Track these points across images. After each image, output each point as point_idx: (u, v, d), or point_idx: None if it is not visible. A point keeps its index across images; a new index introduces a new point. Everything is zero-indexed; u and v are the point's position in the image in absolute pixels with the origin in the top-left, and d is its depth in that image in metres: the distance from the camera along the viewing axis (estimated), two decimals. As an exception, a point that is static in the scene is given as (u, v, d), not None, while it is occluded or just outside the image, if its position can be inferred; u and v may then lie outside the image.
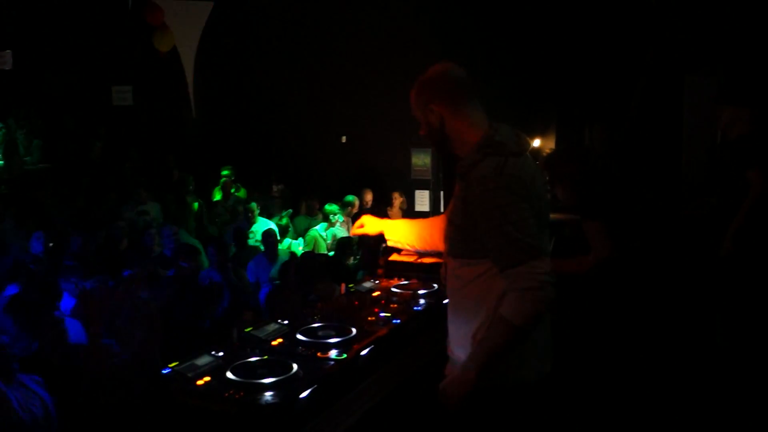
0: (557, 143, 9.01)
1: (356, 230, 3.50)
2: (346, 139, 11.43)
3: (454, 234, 2.57)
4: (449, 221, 2.61)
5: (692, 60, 6.99)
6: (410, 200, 10.51)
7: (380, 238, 3.45)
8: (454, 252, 2.58)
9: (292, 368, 2.45)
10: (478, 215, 2.39)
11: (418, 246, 3.32)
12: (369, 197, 9.97)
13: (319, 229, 8.59)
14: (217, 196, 10.61)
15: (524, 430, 2.56)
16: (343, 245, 7.21)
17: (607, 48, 8.06)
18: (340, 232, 8.71)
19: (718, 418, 4.18)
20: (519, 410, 2.52)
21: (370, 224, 3.40)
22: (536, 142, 9.11)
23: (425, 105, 2.58)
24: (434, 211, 10.42)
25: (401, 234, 3.33)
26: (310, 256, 6.89)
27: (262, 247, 7.77)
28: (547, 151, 8.49)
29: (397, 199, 10.01)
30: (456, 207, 2.55)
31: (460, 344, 2.56)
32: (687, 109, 7.14)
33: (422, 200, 10.56)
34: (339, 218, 8.69)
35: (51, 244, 7.47)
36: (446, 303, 3.40)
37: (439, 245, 2.98)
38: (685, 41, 7.00)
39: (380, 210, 9.99)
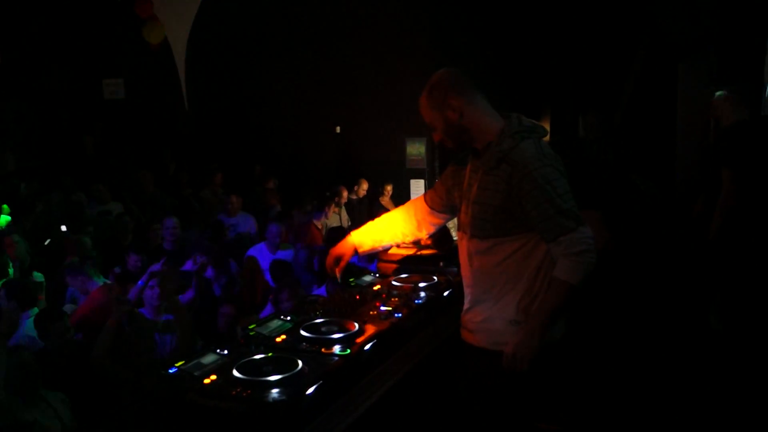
0: (551, 132, 9.03)
1: (338, 269, 3.20)
2: (341, 129, 11.43)
3: (488, 216, 2.68)
4: (482, 205, 2.69)
5: (686, 47, 7.01)
6: (405, 189, 10.54)
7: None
8: (486, 233, 2.71)
9: (297, 365, 2.46)
10: (525, 193, 2.56)
11: (392, 242, 3.26)
12: (365, 186, 10.00)
13: (315, 221, 8.59)
14: None
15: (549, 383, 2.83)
16: (333, 234, 7.39)
17: (601, 36, 8.06)
18: (333, 221, 8.75)
19: (710, 393, 4.24)
20: (546, 365, 2.73)
21: (340, 252, 3.20)
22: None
23: (442, 101, 2.68)
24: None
25: (372, 238, 3.21)
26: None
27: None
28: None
29: (388, 190, 10.06)
30: (491, 190, 2.65)
31: (496, 316, 2.73)
32: (681, 97, 7.17)
33: (417, 189, 10.59)
34: None
35: (48, 241, 7.49)
36: (449, 292, 3.49)
37: (404, 235, 3.18)
38: (678, 29, 7.01)
39: (373, 200, 10.04)
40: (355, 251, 3.19)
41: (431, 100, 2.72)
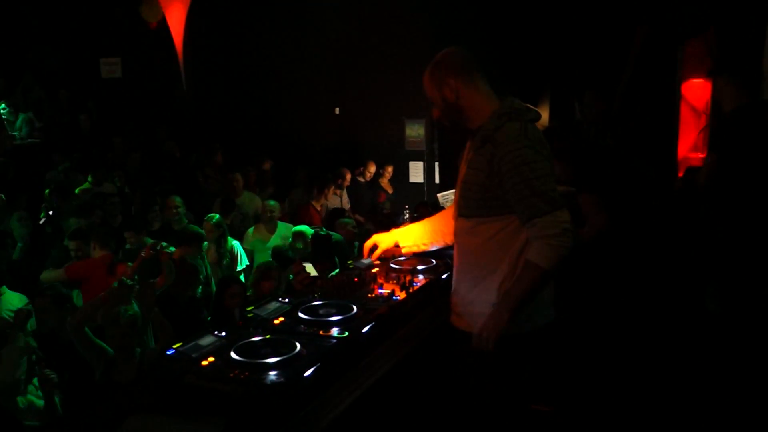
0: (551, 115, 9.00)
1: (374, 254, 3.36)
2: (339, 110, 11.38)
3: (471, 194, 2.75)
4: (467, 184, 2.77)
5: (686, 30, 6.97)
6: (404, 171, 10.53)
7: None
8: (471, 212, 2.78)
9: (295, 347, 2.46)
10: (504, 172, 2.60)
11: (435, 243, 3.37)
12: (372, 169, 9.99)
13: (314, 203, 8.59)
14: None
15: (535, 369, 2.85)
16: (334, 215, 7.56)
17: (601, 18, 8.02)
18: (332, 203, 8.75)
19: (707, 376, 4.27)
20: (532, 352, 2.81)
21: (382, 242, 3.35)
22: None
23: (441, 80, 2.76)
24: (428, 181, 10.44)
25: (415, 237, 3.36)
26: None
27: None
28: (540, 128, 8.47)
29: (389, 171, 10.05)
30: (477, 169, 2.71)
31: (477, 299, 2.78)
32: (680, 79, 7.14)
33: (416, 171, 10.59)
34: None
35: (42, 220, 7.47)
36: (447, 275, 3.49)
37: (439, 241, 3.29)
38: (679, 10, 6.97)
39: (373, 182, 10.03)
40: (396, 245, 3.33)
41: (432, 78, 2.79)
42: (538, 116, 2.77)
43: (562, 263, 2.57)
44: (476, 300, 2.77)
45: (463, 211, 2.83)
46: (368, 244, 3.35)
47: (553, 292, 2.88)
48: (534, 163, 2.58)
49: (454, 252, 2.95)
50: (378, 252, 3.31)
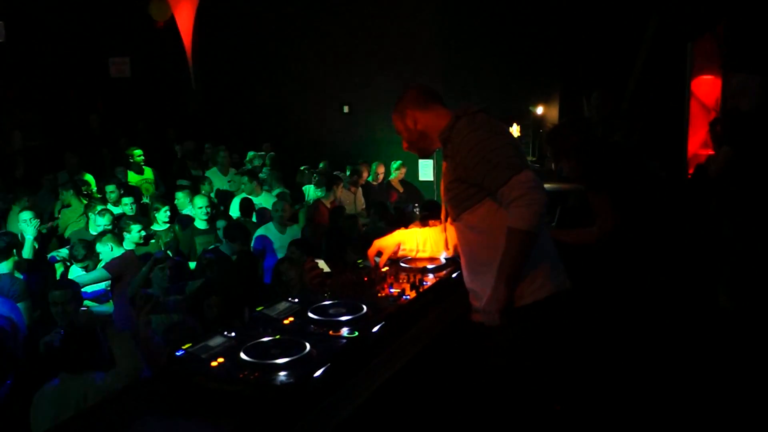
0: (561, 111, 8.97)
1: (380, 261, 3.54)
2: (349, 108, 11.38)
3: (451, 194, 2.99)
4: (445, 191, 3.05)
5: (696, 26, 6.93)
6: (414, 170, 10.51)
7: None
8: (457, 210, 3.00)
9: (305, 347, 2.45)
10: (465, 159, 2.83)
11: (435, 251, 3.61)
12: (381, 170, 9.98)
13: (324, 200, 8.59)
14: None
15: (556, 341, 2.93)
16: (336, 212, 7.71)
17: (611, 15, 7.98)
18: (346, 200, 8.75)
19: (720, 374, 4.24)
20: (550, 321, 2.90)
21: (386, 247, 3.54)
22: (539, 110, 9.07)
23: (402, 112, 3.10)
24: (438, 180, 10.41)
25: (417, 241, 3.61)
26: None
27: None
28: (549, 126, 8.45)
29: (402, 171, 10.03)
30: (447, 173, 3.01)
31: (487, 287, 2.87)
32: (690, 76, 7.09)
33: (426, 169, 10.58)
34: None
35: (51, 224, 7.51)
36: (457, 274, 3.48)
37: (446, 249, 3.53)
38: (689, 6, 6.93)
39: (384, 180, 10.01)
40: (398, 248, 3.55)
41: (395, 114, 3.13)
42: (487, 108, 2.96)
43: (540, 220, 2.70)
44: (488, 290, 2.86)
45: (452, 215, 3.07)
46: (372, 251, 3.53)
47: (560, 260, 3.00)
48: (485, 141, 2.78)
49: (460, 257, 3.13)
50: (384, 258, 3.50)
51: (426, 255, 3.61)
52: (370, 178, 9.83)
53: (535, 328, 2.87)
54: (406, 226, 4.12)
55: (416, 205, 8.33)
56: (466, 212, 2.94)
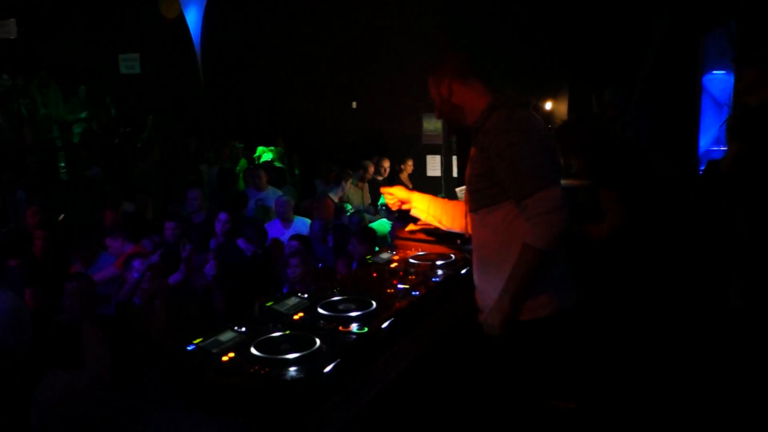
0: (570, 107, 8.94)
1: (388, 198, 3.77)
2: (357, 104, 11.38)
3: (473, 187, 2.87)
4: (468, 179, 2.91)
5: (708, 21, 6.89)
6: (422, 165, 10.50)
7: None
8: (477, 204, 2.87)
9: (315, 343, 2.46)
10: (494, 158, 2.69)
11: (442, 221, 3.64)
12: (386, 164, 9.96)
13: (331, 195, 8.60)
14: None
15: (553, 358, 2.86)
16: (338, 210, 7.72)
17: (621, 9, 7.95)
18: (353, 195, 8.75)
19: (731, 374, 4.22)
20: (548, 341, 2.81)
21: (399, 192, 3.71)
22: (548, 105, 9.04)
23: (438, 80, 2.94)
24: (446, 175, 10.40)
25: (427, 205, 3.65)
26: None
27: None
28: (558, 121, 8.44)
29: (409, 165, 10.02)
30: (474, 161, 2.86)
31: (495, 290, 2.80)
32: (702, 72, 7.07)
33: (434, 165, 10.57)
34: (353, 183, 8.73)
35: (62, 216, 7.53)
36: (466, 270, 3.48)
37: (459, 225, 3.46)
38: (701, 1, 6.90)
39: (392, 176, 10.01)
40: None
41: (432, 79, 2.97)
42: (528, 102, 2.82)
43: (557, 241, 2.61)
44: (493, 293, 2.81)
45: (471, 205, 2.93)
46: (388, 189, 3.75)
47: (570, 274, 2.90)
48: (518, 145, 2.63)
49: (473, 251, 3.02)
50: (389, 198, 3.73)
51: (437, 224, 3.67)
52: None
53: (532, 345, 2.80)
54: (415, 222, 4.13)
55: None
56: (485, 209, 2.83)
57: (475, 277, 2.99)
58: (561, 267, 2.85)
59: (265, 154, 10.52)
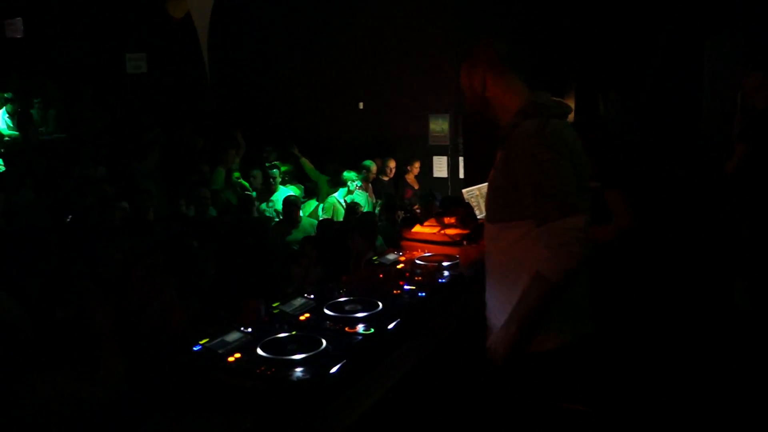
0: (576, 108, 8.93)
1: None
2: (363, 105, 11.38)
3: (494, 198, 2.64)
4: (491, 186, 2.67)
5: (713, 24, 6.88)
6: (428, 166, 10.48)
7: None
8: (495, 216, 2.64)
9: (321, 344, 2.47)
10: (518, 173, 2.44)
11: None
12: (392, 165, 9.93)
13: (338, 196, 8.59)
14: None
15: (563, 390, 2.65)
16: (350, 210, 7.59)
17: (627, 12, 7.94)
18: (359, 197, 8.73)
19: (737, 376, 4.21)
20: (558, 372, 2.59)
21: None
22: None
23: (471, 70, 2.69)
24: (452, 176, 10.40)
25: None
26: (328, 223, 6.94)
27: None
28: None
29: (416, 167, 10.00)
30: (498, 170, 2.60)
31: (500, 310, 2.59)
32: (707, 75, 7.05)
33: (440, 166, 10.56)
34: (357, 184, 8.69)
35: (70, 217, 7.54)
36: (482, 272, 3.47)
37: None
38: (705, 4, 6.89)
39: (399, 177, 10.00)
40: None
41: (465, 68, 2.72)
42: (566, 111, 2.62)
43: (574, 275, 2.38)
44: (500, 311, 2.60)
45: (488, 215, 2.71)
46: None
47: (586, 300, 2.70)
48: (546, 162, 2.38)
49: (485, 256, 2.80)
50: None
51: None
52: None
53: (537, 378, 2.58)
54: (421, 224, 4.13)
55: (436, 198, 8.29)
56: (503, 223, 2.59)
57: (486, 290, 2.77)
58: (578, 291, 2.62)
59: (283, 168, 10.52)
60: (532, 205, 2.41)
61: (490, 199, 2.69)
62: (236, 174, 9.40)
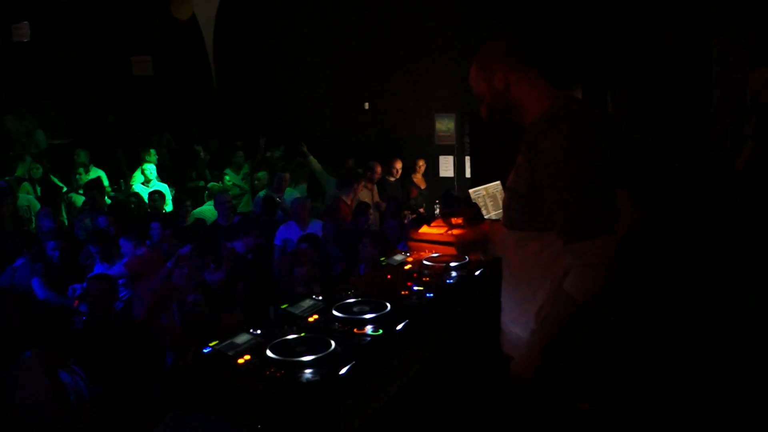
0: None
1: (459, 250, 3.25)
2: (369, 105, 11.39)
3: (516, 206, 2.52)
4: (511, 191, 2.54)
5: (721, 20, 6.85)
6: (434, 166, 10.48)
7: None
8: (514, 224, 2.55)
9: (330, 345, 2.47)
10: (546, 186, 2.33)
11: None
12: (398, 165, 9.92)
13: (343, 197, 8.60)
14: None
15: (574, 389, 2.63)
16: (358, 208, 7.70)
17: (634, 9, 7.92)
18: (363, 197, 8.74)
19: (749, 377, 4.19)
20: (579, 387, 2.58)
21: (473, 240, 3.11)
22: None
23: (489, 68, 2.52)
24: (459, 176, 10.40)
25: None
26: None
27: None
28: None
29: (421, 166, 9.99)
30: (521, 177, 2.46)
31: (518, 320, 2.56)
32: (716, 72, 7.01)
33: (446, 166, 10.56)
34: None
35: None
36: (481, 272, 3.46)
37: None
38: (715, 1, 6.86)
39: (405, 177, 10.00)
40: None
41: (479, 67, 2.56)
42: (594, 117, 2.42)
43: (600, 294, 2.32)
44: (517, 320, 2.57)
45: (506, 221, 2.60)
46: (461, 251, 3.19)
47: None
48: (576, 178, 2.26)
49: (502, 264, 2.73)
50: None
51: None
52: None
53: (550, 379, 2.51)
54: (428, 224, 4.12)
55: (437, 202, 8.32)
56: (523, 233, 2.51)
57: (502, 295, 2.70)
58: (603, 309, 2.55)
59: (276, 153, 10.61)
60: (560, 222, 2.32)
61: (511, 206, 2.56)
62: (260, 174, 9.45)
